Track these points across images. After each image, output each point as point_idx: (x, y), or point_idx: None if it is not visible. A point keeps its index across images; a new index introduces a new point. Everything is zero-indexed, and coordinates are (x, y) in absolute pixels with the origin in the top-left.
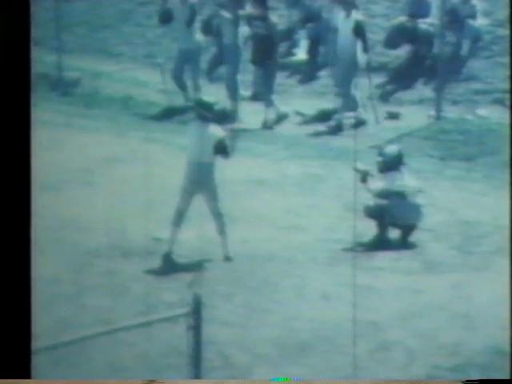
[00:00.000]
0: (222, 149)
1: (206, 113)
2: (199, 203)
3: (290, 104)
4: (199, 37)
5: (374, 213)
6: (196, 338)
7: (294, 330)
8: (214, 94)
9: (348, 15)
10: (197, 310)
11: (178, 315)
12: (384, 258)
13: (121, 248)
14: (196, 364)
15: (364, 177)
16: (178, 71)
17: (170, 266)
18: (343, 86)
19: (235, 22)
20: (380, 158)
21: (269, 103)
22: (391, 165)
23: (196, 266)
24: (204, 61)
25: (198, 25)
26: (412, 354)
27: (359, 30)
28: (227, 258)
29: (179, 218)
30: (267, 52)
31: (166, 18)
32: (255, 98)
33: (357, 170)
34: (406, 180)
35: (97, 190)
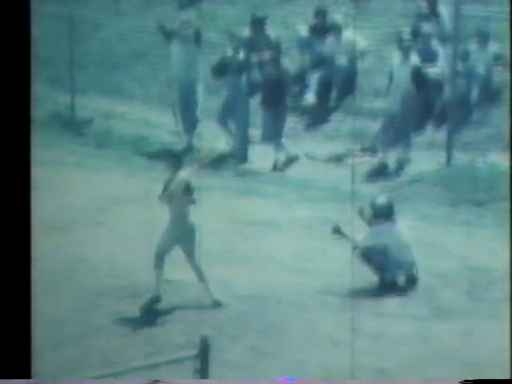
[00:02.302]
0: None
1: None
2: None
3: (301, 147)
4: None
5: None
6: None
7: (302, 375)
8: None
9: (405, 59)
10: (204, 352)
11: (185, 357)
12: (392, 303)
13: (129, 289)
14: None
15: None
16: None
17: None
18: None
19: (248, 66)
20: (370, 210)
21: (278, 146)
22: (381, 215)
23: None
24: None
25: None
26: None
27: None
28: (216, 304)
29: (159, 260)
30: (278, 95)
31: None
32: (265, 140)
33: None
34: (398, 231)
35: (106, 231)
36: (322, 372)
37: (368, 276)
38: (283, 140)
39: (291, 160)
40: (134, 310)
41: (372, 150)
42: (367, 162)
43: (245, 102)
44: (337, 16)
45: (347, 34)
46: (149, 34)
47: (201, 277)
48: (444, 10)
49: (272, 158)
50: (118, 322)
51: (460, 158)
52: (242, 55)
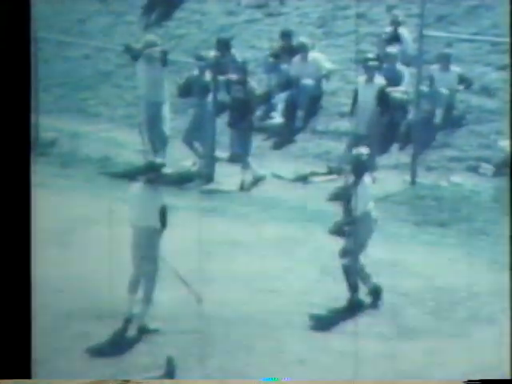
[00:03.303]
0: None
1: (155, 175)
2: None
3: (267, 167)
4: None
5: (344, 272)
6: None
7: None
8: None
9: (370, 80)
10: (170, 373)
11: (152, 377)
12: (359, 322)
13: (95, 310)
14: None
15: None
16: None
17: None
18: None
19: (214, 86)
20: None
21: (245, 165)
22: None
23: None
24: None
25: None
26: None
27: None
28: (142, 329)
29: (133, 285)
30: (244, 115)
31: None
32: (232, 160)
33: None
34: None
35: (71, 252)
36: None
37: (336, 294)
38: (250, 159)
39: (258, 179)
40: (99, 331)
41: (338, 171)
42: (334, 182)
43: (211, 121)
44: (303, 37)
45: (313, 55)
46: (114, 54)
47: (148, 298)
48: (406, 32)
49: (239, 178)
50: (83, 343)
51: (424, 178)
52: (208, 75)
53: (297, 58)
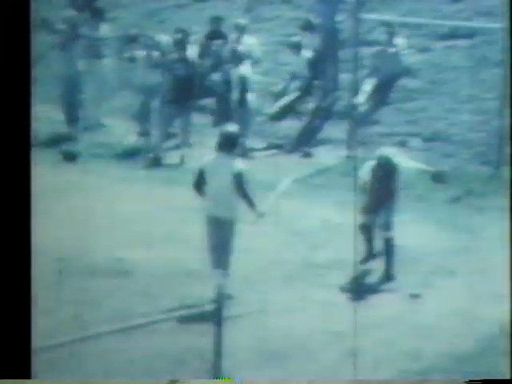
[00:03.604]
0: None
1: (231, 143)
2: None
3: (208, 143)
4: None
5: (361, 230)
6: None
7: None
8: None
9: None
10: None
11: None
12: (339, 276)
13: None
14: None
15: None
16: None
17: None
18: None
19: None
20: None
21: (185, 142)
22: None
23: None
24: None
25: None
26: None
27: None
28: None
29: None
30: (185, 93)
31: None
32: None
33: None
34: None
35: (49, 219)
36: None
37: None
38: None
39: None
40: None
41: (275, 146)
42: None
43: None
44: (240, 19)
45: (247, 39)
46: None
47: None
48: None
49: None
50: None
51: (358, 152)
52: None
53: (232, 39)
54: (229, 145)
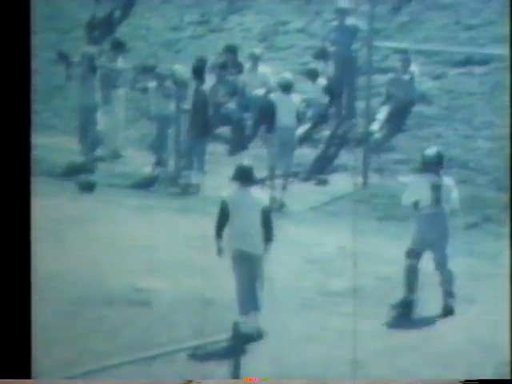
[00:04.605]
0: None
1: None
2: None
3: (223, 172)
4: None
5: (406, 271)
6: None
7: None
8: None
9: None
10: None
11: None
12: (355, 304)
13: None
14: None
15: None
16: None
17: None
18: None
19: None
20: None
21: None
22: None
23: None
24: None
25: None
26: None
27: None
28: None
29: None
30: (201, 122)
31: None
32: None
33: None
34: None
35: (68, 248)
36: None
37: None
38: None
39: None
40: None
41: (290, 175)
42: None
43: (176, 129)
44: (255, 49)
45: (261, 67)
46: (63, 68)
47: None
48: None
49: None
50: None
51: (374, 179)
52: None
53: (247, 68)
54: (245, 178)
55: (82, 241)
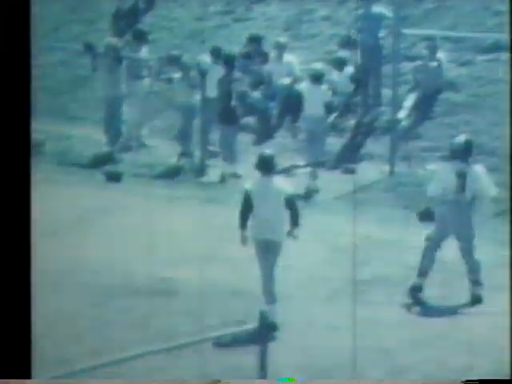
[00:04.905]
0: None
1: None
2: None
3: (250, 161)
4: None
5: (422, 254)
6: None
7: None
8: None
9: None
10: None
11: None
12: (383, 292)
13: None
14: None
15: None
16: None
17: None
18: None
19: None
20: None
21: (231, 160)
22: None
23: None
24: None
25: None
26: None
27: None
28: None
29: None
30: (231, 111)
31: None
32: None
33: None
34: None
35: (94, 238)
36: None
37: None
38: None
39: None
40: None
41: (316, 163)
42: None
43: (201, 119)
44: (281, 38)
45: (287, 56)
46: (90, 59)
47: (271, 299)
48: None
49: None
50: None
51: (401, 167)
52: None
53: (272, 57)
54: (267, 167)
55: (109, 231)
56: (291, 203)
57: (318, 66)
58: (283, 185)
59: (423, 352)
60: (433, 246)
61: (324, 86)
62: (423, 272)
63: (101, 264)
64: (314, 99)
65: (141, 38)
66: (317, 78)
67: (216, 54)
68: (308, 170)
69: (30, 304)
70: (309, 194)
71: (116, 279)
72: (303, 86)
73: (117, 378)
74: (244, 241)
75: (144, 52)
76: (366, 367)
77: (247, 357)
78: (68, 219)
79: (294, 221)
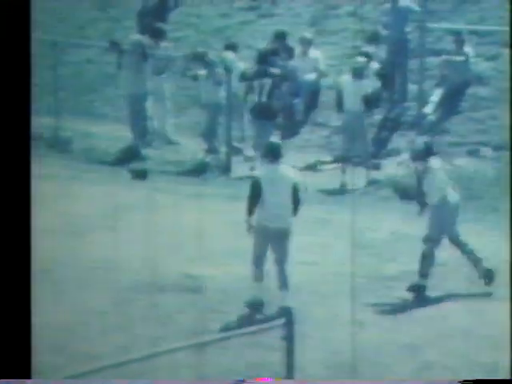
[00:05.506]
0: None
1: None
2: None
3: None
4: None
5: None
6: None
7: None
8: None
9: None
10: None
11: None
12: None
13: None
14: None
15: None
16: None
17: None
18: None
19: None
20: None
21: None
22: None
23: None
24: None
25: None
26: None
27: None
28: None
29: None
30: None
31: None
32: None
33: None
34: None
35: (121, 235)
36: (353, 348)
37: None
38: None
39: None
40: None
41: (342, 159)
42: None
43: (227, 116)
44: (306, 33)
45: (313, 51)
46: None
47: (283, 284)
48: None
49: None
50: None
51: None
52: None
53: (298, 53)
54: (274, 154)
55: (135, 228)
56: (295, 191)
57: (361, 60)
58: (290, 172)
59: (449, 346)
60: (431, 245)
61: (365, 81)
62: (424, 273)
63: (127, 261)
64: (354, 94)
65: (158, 35)
66: (357, 73)
67: (233, 49)
68: (334, 165)
69: (30, 304)
70: (343, 190)
71: (142, 276)
72: (343, 81)
73: (141, 375)
74: (249, 228)
75: (170, 49)
76: (392, 364)
77: (273, 353)
78: (95, 217)
79: (294, 209)
